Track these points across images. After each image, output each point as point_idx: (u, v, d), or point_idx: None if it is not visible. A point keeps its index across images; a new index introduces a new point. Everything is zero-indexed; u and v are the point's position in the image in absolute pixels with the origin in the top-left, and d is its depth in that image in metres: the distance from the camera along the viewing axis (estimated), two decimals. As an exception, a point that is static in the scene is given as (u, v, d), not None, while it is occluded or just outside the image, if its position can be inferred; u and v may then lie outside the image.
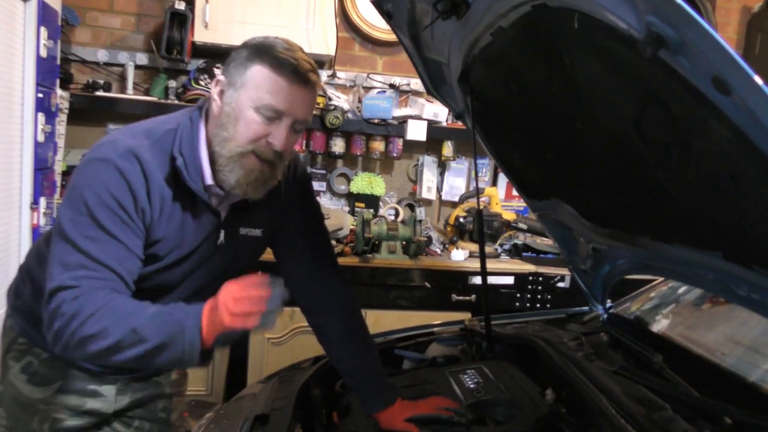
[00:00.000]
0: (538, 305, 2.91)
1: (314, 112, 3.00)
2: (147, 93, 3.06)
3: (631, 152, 1.08)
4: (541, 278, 2.92)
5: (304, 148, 3.19)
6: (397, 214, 3.32)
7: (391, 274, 2.80)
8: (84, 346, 1.07)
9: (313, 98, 1.22)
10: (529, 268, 2.92)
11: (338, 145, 3.18)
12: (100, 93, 2.94)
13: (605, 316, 1.80)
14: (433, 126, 3.19)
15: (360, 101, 3.19)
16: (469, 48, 1.27)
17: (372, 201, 3.32)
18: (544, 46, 1.09)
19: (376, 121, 3.16)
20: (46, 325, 1.11)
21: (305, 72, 1.18)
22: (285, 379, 1.59)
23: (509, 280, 2.89)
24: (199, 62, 3.02)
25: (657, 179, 1.08)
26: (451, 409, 1.29)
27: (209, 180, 1.22)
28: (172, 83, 3.02)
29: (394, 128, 3.19)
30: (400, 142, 3.24)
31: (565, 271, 2.86)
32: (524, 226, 3.08)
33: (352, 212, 3.29)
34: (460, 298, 2.84)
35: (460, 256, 2.95)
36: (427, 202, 3.49)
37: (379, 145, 3.24)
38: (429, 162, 3.40)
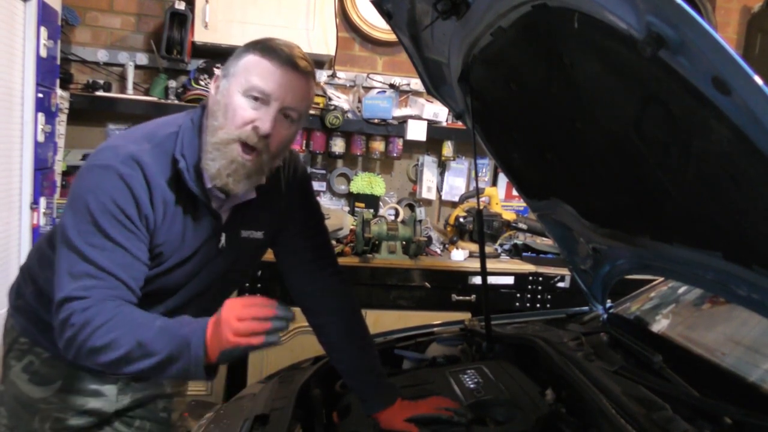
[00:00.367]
0: (538, 305, 2.91)
1: (315, 113, 3.05)
2: (147, 93, 3.06)
3: (631, 152, 1.08)
4: (541, 278, 2.92)
5: (304, 148, 3.19)
6: (397, 214, 3.32)
7: (391, 274, 2.80)
8: (94, 357, 1.08)
9: (304, 86, 1.20)
10: (529, 268, 2.92)
11: (338, 145, 3.18)
12: (100, 93, 2.94)
13: (605, 316, 1.80)
14: (433, 126, 3.19)
15: (360, 101, 3.19)
16: (469, 48, 1.27)
17: (372, 201, 3.32)
18: (544, 46, 1.09)
19: (376, 121, 3.16)
20: (57, 335, 1.11)
21: (296, 58, 1.17)
22: (285, 379, 1.59)
23: (509, 280, 2.89)
24: (199, 62, 3.03)
25: (657, 179, 1.08)
26: (451, 409, 1.29)
27: (209, 183, 1.21)
28: (172, 83, 3.02)
29: (394, 128, 3.19)
30: (400, 142, 3.24)
31: (565, 271, 2.86)
32: (524, 226, 3.08)
33: (352, 212, 3.29)
34: (460, 298, 2.84)
35: (460, 256, 2.95)
36: (427, 202, 3.49)
37: (379, 145, 3.24)
38: (429, 162, 3.40)
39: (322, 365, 1.61)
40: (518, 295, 2.91)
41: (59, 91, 2.66)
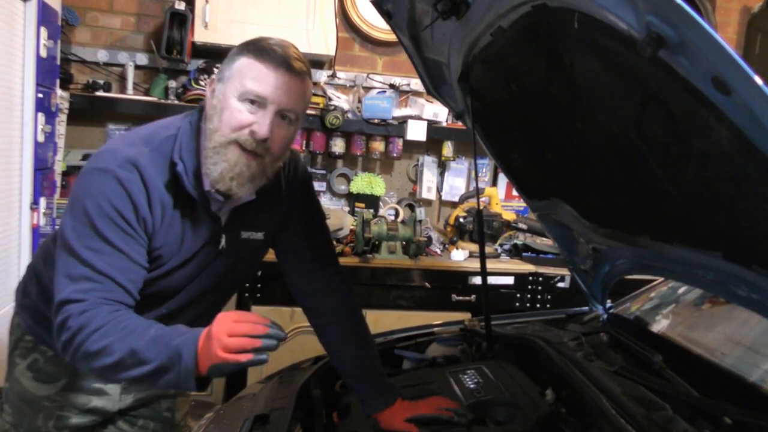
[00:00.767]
0: (538, 305, 2.91)
1: (315, 113, 3.05)
2: (147, 93, 3.06)
3: (631, 152, 1.08)
4: (541, 278, 2.92)
5: (304, 148, 3.19)
6: (397, 214, 3.32)
7: (391, 274, 2.80)
8: (89, 361, 1.09)
9: (300, 88, 1.19)
10: (529, 268, 2.92)
11: (338, 146, 3.18)
12: (100, 93, 2.94)
13: (605, 316, 1.80)
14: (433, 126, 3.19)
15: (360, 101, 3.19)
16: (469, 48, 1.27)
17: (372, 201, 3.32)
18: (544, 46, 1.09)
19: (376, 121, 3.16)
20: (55, 336, 1.12)
21: (290, 59, 1.16)
22: (285, 379, 1.59)
23: (509, 280, 2.89)
24: (199, 62, 3.03)
25: (657, 179, 1.08)
26: (451, 410, 1.29)
27: (208, 185, 1.21)
28: (172, 83, 3.02)
29: (394, 128, 3.19)
30: (400, 142, 3.24)
31: (565, 271, 2.86)
32: (524, 226, 3.08)
33: (352, 212, 3.29)
34: (460, 298, 2.84)
35: (460, 256, 2.95)
36: (427, 202, 3.49)
37: (379, 145, 3.24)
38: (429, 162, 3.40)
39: (322, 365, 1.61)
40: (518, 295, 2.91)
41: (59, 91, 2.66)
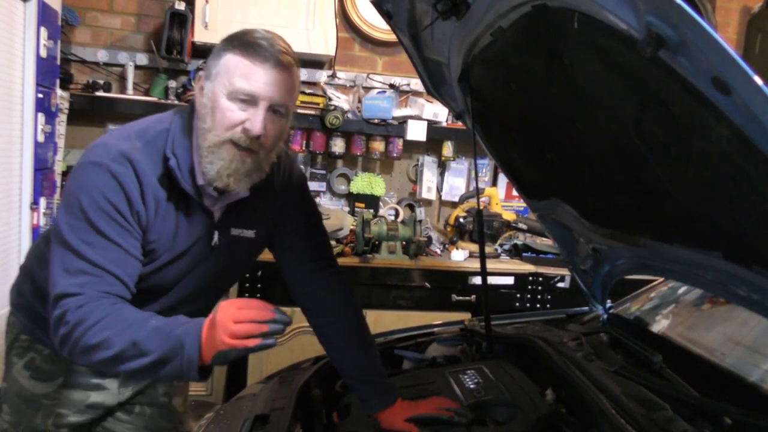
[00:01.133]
0: (538, 305, 2.91)
1: (315, 113, 3.05)
2: (147, 93, 3.06)
3: (631, 152, 1.08)
4: (541, 278, 2.92)
5: (304, 148, 3.19)
6: (397, 215, 3.32)
7: (391, 274, 2.80)
8: (88, 355, 1.08)
9: (289, 81, 1.18)
10: (529, 268, 2.92)
11: (338, 146, 3.18)
12: (100, 93, 2.94)
13: (605, 316, 1.80)
14: (433, 126, 3.19)
15: (360, 101, 3.19)
16: (469, 48, 1.27)
17: (372, 201, 3.32)
18: (544, 46, 1.09)
19: (376, 121, 3.16)
20: (52, 331, 1.12)
21: (277, 53, 1.15)
22: (285, 379, 1.59)
23: (509, 280, 2.89)
24: (199, 62, 3.02)
25: (657, 179, 1.08)
26: (452, 409, 1.29)
27: (201, 180, 1.21)
28: (172, 83, 3.02)
29: (394, 128, 3.19)
30: (400, 142, 3.24)
31: (565, 271, 2.86)
32: (524, 226, 3.08)
33: (352, 212, 3.29)
34: (460, 298, 2.84)
35: (460, 256, 2.95)
36: (427, 202, 3.48)
37: (379, 146, 3.24)
38: (429, 162, 3.40)
39: (322, 365, 1.61)
40: (518, 295, 2.91)
41: (59, 91, 2.66)
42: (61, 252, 1.13)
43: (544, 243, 3.10)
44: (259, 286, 2.72)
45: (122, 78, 3.08)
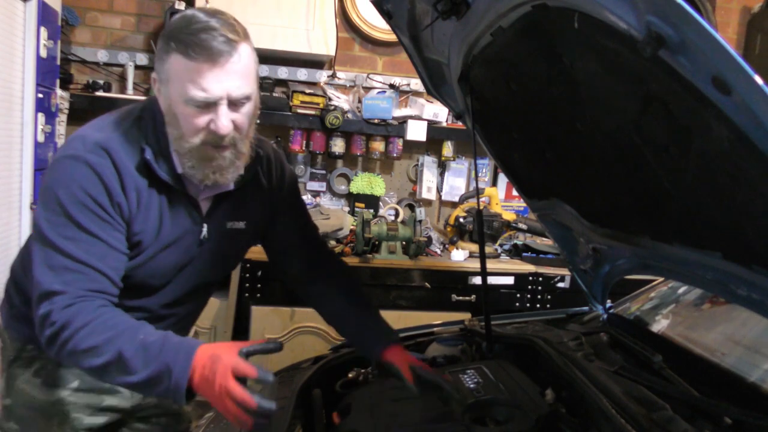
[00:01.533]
0: (538, 305, 2.91)
1: (315, 113, 3.05)
2: (147, 93, 3.06)
3: (631, 152, 1.08)
4: (541, 278, 2.92)
5: (304, 148, 3.19)
6: (397, 215, 3.32)
7: (391, 274, 2.80)
8: (75, 359, 1.07)
9: (241, 66, 1.11)
10: (529, 268, 2.92)
11: (338, 146, 3.18)
12: (100, 93, 2.94)
13: (605, 316, 1.80)
14: (433, 126, 3.19)
15: (360, 101, 3.19)
16: (469, 48, 1.27)
17: (372, 201, 3.32)
18: (544, 46, 1.09)
19: (376, 121, 3.16)
20: (38, 329, 1.09)
21: (220, 43, 1.07)
22: (285, 379, 1.59)
23: (509, 280, 2.89)
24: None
25: (657, 179, 1.08)
26: (451, 394, 1.27)
27: (180, 169, 1.19)
28: (172, 83, 3.02)
29: (394, 128, 3.19)
30: (400, 142, 3.24)
31: (565, 271, 2.86)
32: (524, 226, 3.08)
33: (352, 212, 3.29)
34: (460, 298, 2.84)
35: (460, 256, 2.95)
36: (427, 202, 3.49)
37: (379, 146, 3.24)
38: (429, 162, 3.40)
39: (322, 365, 1.61)
40: (518, 295, 2.91)
41: (59, 92, 2.66)
42: (42, 249, 1.11)
43: (544, 243, 3.11)
44: (259, 286, 2.72)
45: (122, 78, 3.08)
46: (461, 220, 3.09)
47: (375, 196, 3.33)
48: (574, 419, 1.26)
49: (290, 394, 1.44)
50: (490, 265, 2.79)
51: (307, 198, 3.31)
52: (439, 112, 3.19)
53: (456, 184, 3.46)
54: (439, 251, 3.07)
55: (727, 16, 3.54)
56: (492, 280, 2.81)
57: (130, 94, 3.01)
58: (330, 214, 3.01)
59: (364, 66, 3.35)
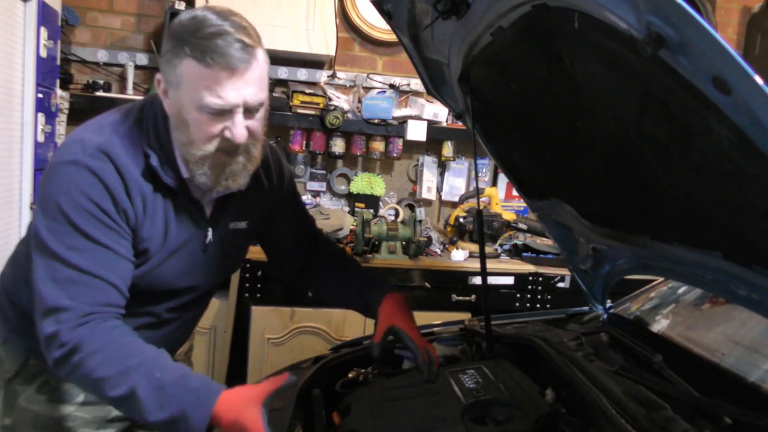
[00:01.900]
0: (538, 305, 2.91)
1: (315, 113, 3.05)
2: (147, 93, 3.06)
3: (631, 152, 1.08)
4: (541, 278, 2.92)
5: (304, 148, 3.19)
6: (397, 215, 3.32)
7: (391, 274, 2.80)
8: (85, 385, 1.05)
9: (257, 72, 1.08)
10: (529, 268, 2.92)
11: (338, 146, 3.18)
12: (100, 93, 2.95)
13: (605, 316, 1.80)
14: (433, 126, 3.19)
15: (360, 101, 3.19)
16: (469, 48, 1.27)
17: (372, 201, 3.32)
18: (544, 46, 1.09)
19: (376, 121, 3.16)
20: (44, 348, 1.05)
21: (237, 49, 1.04)
22: (285, 379, 1.59)
23: (509, 280, 2.89)
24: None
25: (657, 179, 1.08)
26: (420, 365, 1.33)
27: (185, 173, 1.16)
28: (172, 83, 3.02)
29: (394, 128, 3.19)
30: (400, 142, 3.24)
31: (565, 271, 2.86)
32: (524, 226, 3.08)
33: (352, 212, 3.29)
34: (460, 298, 2.84)
35: (460, 256, 2.95)
36: (427, 203, 3.49)
37: (379, 146, 3.24)
38: (429, 162, 3.40)
39: (322, 365, 1.61)
40: (518, 295, 2.91)
41: (59, 92, 2.66)
42: (45, 261, 1.05)
43: (544, 243, 3.11)
44: (259, 286, 2.72)
45: (122, 78, 3.08)
46: (461, 220, 3.09)
47: (375, 196, 3.33)
48: (574, 419, 1.26)
49: (290, 394, 1.44)
50: (490, 265, 2.79)
51: (307, 198, 3.31)
52: (439, 112, 3.19)
53: (456, 184, 3.46)
54: (439, 251, 3.07)
55: (727, 16, 3.54)
56: (492, 280, 2.81)
57: (130, 94, 3.01)
58: (330, 214, 3.01)
59: (364, 66, 3.35)
